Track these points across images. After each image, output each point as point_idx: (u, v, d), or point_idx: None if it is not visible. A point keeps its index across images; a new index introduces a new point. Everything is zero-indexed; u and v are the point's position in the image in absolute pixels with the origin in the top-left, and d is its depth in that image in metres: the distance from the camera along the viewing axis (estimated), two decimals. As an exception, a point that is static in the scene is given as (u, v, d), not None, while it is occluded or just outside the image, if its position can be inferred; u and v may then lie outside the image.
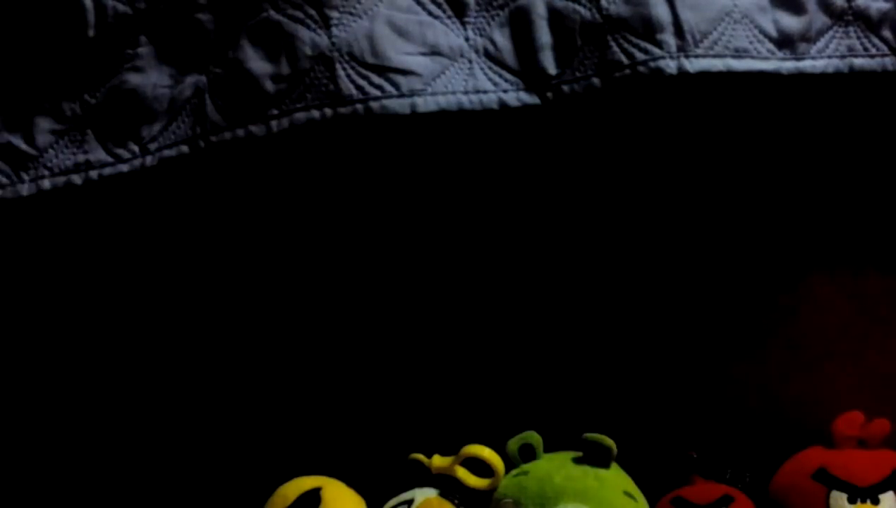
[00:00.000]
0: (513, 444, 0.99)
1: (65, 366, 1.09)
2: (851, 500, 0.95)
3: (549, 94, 0.97)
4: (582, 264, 1.05)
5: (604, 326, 1.05)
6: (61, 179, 1.02)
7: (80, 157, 1.01)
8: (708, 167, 1.04)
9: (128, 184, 1.01)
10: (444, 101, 0.96)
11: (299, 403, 1.07)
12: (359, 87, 0.95)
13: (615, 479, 0.97)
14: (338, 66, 0.95)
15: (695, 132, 1.03)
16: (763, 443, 1.03)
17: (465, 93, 0.97)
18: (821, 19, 0.98)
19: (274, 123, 0.96)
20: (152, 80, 1.00)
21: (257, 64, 0.97)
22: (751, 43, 0.96)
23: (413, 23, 0.97)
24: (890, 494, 0.95)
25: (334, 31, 0.95)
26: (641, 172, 1.04)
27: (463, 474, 0.99)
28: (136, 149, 1.01)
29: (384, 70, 0.95)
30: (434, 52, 0.97)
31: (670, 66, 0.95)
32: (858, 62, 0.99)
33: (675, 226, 1.04)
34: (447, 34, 0.98)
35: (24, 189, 1.02)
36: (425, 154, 1.03)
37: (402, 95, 0.95)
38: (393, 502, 1.00)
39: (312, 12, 0.96)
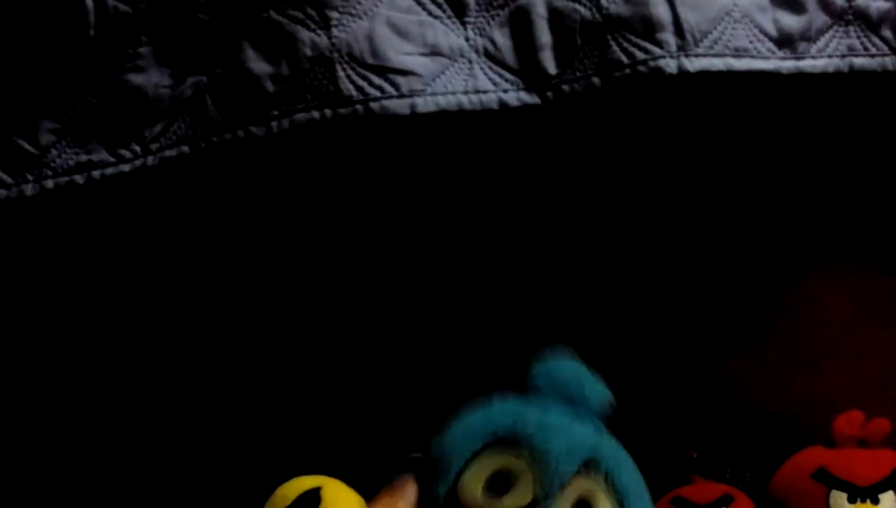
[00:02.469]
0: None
1: (65, 366, 1.09)
2: (851, 500, 0.95)
3: (549, 94, 0.97)
4: (582, 264, 1.05)
5: (603, 326, 1.05)
6: (64, 179, 1.02)
7: (83, 157, 1.01)
8: (708, 166, 1.04)
9: (129, 183, 1.01)
10: (444, 101, 0.96)
11: (299, 403, 1.07)
12: (359, 88, 0.95)
13: (615, 479, 0.97)
14: (338, 66, 0.95)
15: (695, 132, 1.03)
16: (763, 443, 1.03)
17: (465, 93, 0.97)
18: (821, 18, 0.98)
19: (274, 124, 0.96)
20: (153, 79, 1.00)
21: (258, 64, 0.97)
22: (751, 42, 0.96)
23: (413, 23, 0.97)
24: (890, 494, 0.95)
25: (334, 31, 0.96)
26: (641, 172, 1.04)
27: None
28: (137, 149, 1.01)
29: (384, 70, 0.95)
30: (434, 52, 0.97)
31: (670, 65, 0.95)
32: (858, 62, 0.99)
33: (675, 225, 1.05)
34: (447, 34, 0.98)
35: (28, 189, 1.02)
36: (425, 154, 1.03)
37: (401, 96, 0.95)
38: (394, 501, 1.00)
39: (312, 13, 0.96)
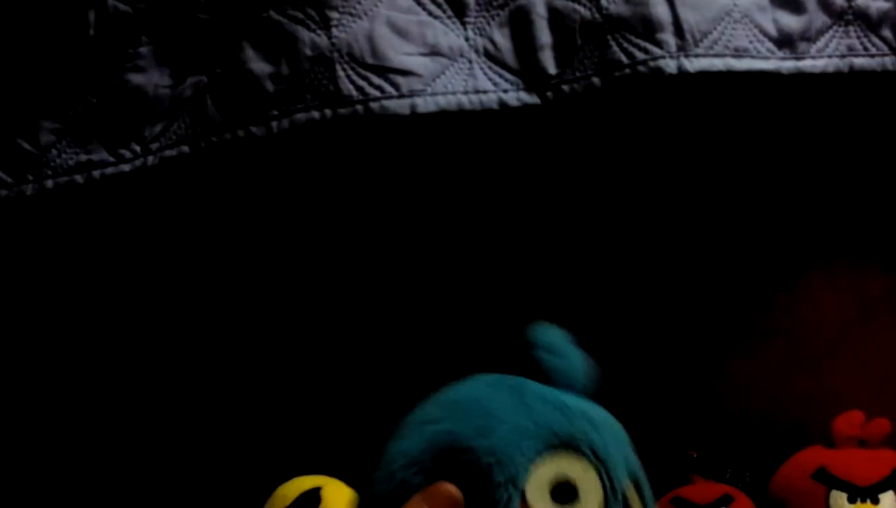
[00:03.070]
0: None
1: (65, 366, 1.09)
2: (851, 500, 0.95)
3: (549, 94, 0.97)
4: (582, 263, 1.05)
5: (603, 326, 1.05)
6: (64, 179, 1.02)
7: (83, 157, 1.01)
8: (708, 166, 1.04)
9: (129, 183, 1.01)
10: (444, 102, 0.96)
11: (299, 403, 1.07)
12: (359, 88, 0.95)
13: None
14: (338, 66, 0.95)
15: (695, 132, 1.03)
16: (763, 443, 1.03)
17: (465, 93, 0.97)
18: (821, 19, 0.98)
19: (274, 124, 0.97)
20: (153, 79, 1.00)
21: (258, 64, 0.97)
22: (751, 42, 0.96)
23: (413, 23, 0.97)
24: (890, 494, 0.95)
25: (334, 31, 0.96)
26: (641, 172, 1.04)
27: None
28: (137, 148, 1.01)
29: (384, 70, 0.95)
30: (434, 52, 0.97)
31: (670, 65, 0.95)
32: (858, 62, 0.99)
33: (675, 225, 1.04)
34: (447, 34, 0.98)
35: (29, 189, 1.02)
36: (425, 154, 1.03)
37: (401, 96, 0.96)
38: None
39: (313, 13, 0.96)
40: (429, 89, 0.96)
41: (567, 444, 0.71)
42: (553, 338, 0.77)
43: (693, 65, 0.95)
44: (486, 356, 1.05)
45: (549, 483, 0.70)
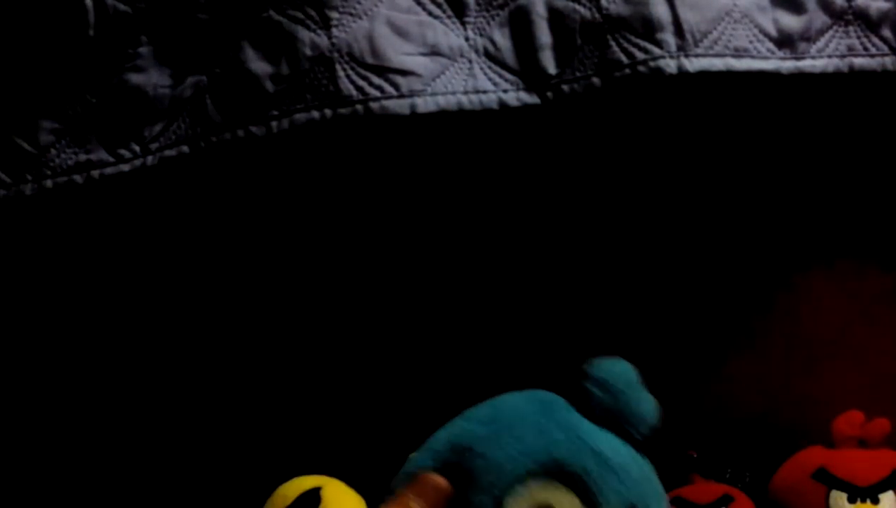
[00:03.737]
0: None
1: (65, 366, 1.09)
2: (851, 500, 0.95)
3: (549, 94, 0.97)
4: (581, 263, 1.05)
5: (603, 326, 1.05)
6: (63, 179, 1.02)
7: (82, 157, 1.01)
8: (708, 166, 1.04)
9: (128, 183, 1.01)
10: (444, 102, 0.96)
11: (299, 403, 1.07)
12: (358, 88, 0.95)
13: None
14: (337, 66, 0.95)
15: (695, 132, 1.03)
16: (763, 443, 1.03)
17: (465, 93, 0.97)
18: (821, 19, 0.98)
19: (274, 124, 0.97)
20: (153, 79, 1.00)
21: (257, 64, 0.97)
22: (751, 42, 0.96)
23: (413, 23, 0.97)
24: (890, 494, 0.95)
25: (334, 31, 0.96)
26: (641, 172, 1.04)
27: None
28: (137, 148, 1.01)
29: (384, 70, 0.95)
30: (434, 52, 0.97)
31: (670, 65, 0.95)
32: (858, 62, 0.99)
33: (674, 225, 1.05)
34: (447, 34, 0.98)
35: (28, 189, 1.02)
36: (425, 154, 1.03)
37: (401, 96, 0.96)
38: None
39: (312, 13, 0.96)
40: (429, 89, 0.96)
41: (561, 473, 0.72)
42: (611, 376, 0.77)
43: (693, 65, 0.95)
44: (484, 360, 1.06)
45: (532, 504, 0.71)
